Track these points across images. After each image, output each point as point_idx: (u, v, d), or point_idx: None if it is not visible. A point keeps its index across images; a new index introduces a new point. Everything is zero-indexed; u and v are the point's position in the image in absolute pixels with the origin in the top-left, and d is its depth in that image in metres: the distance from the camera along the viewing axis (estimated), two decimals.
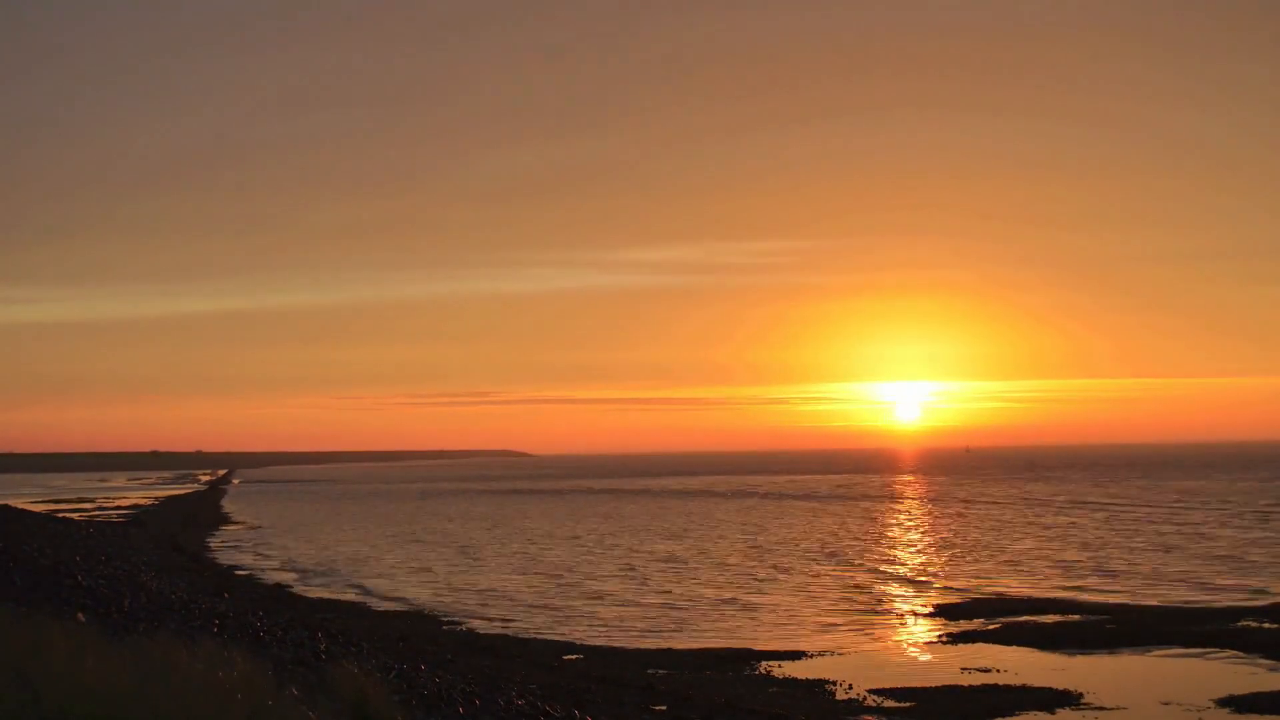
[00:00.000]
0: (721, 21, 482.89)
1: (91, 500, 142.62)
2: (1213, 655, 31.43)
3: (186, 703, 12.37)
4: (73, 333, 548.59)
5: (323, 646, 25.87)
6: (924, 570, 54.41)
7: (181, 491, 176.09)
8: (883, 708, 25.86)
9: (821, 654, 33.05)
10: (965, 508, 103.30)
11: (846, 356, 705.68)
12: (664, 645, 34.66)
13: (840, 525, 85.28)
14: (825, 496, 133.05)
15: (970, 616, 39.04)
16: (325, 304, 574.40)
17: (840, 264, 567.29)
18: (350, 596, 48.37)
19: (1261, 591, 43.91)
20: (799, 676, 29.38)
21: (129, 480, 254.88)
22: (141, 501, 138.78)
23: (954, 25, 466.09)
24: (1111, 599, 42.77)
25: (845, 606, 42.83)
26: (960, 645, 33.87)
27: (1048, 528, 77.68)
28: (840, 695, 27.19)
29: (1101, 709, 25.48)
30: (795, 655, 32.67)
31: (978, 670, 29.95)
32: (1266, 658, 30.78)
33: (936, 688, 27.68)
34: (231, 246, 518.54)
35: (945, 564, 56.85)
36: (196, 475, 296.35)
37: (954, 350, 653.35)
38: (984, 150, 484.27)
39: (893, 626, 38.23)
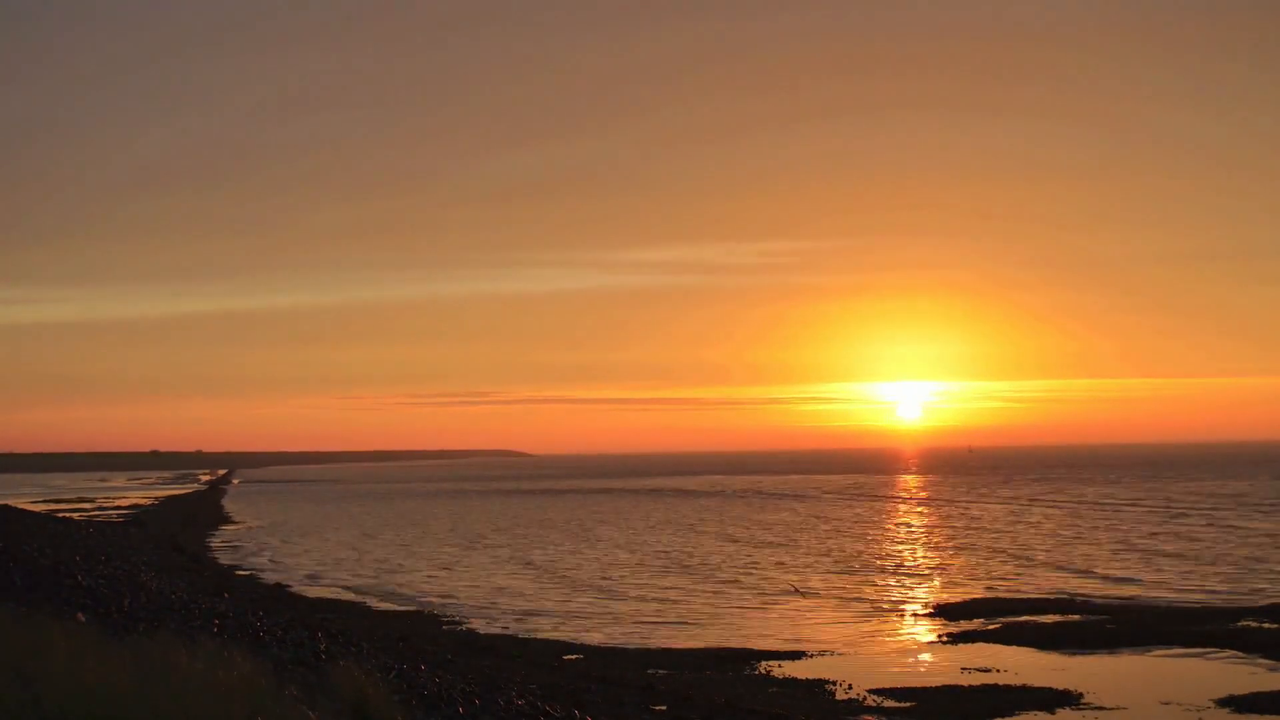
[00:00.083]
0: (720, 22, 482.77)
1: (91, 500, 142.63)
2: (1213, 655, 31.43)
3: (186, 703, 12.38)
4: (73, 333, 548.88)
5: (323, 646, 25.87)
6: (924, 570, 54.42)
7: (181, 491, 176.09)
8: (883, 708, 25.86)
9: (821, 654, 33.06)
10: (965, 508, 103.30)
11: (847, 357, 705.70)
12: (664, 645, 34.67)
13: (840, 525, 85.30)
14: (825, 496, 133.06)
15: (970, 616, 39.04)
16: (325, 304, 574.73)
17: (841, 264, 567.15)
18: (350, 596, 48.37)
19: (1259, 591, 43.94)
20: (799, 676, 29.39)
21: (129, 480, 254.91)
22: (141, 501, 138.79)
23: (954, 26, 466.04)
24: (1112, 599, 42.78)
25: (845, 606, 42.83)
26: (960, 645, 33.87)
27: (1047, 528, 77.67)
28: (840, 695, 27.20)
29: (1101, 709, 25.48)
30: (795, 655, 32.67)
31: (978, 670, 29.96)
32: (1266, 658, 30.78)
33: (936, 688, 27.68)
34: (232, 247, 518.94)
35: (945, 564, 56.85)
36: (196, 475, 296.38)
37: (956, 350, 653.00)
38: (985, 150, 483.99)
39: (893, 626, 38.23)
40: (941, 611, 40.50)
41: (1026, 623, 37.28)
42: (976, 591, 45.97)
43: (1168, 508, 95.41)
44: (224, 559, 65.67)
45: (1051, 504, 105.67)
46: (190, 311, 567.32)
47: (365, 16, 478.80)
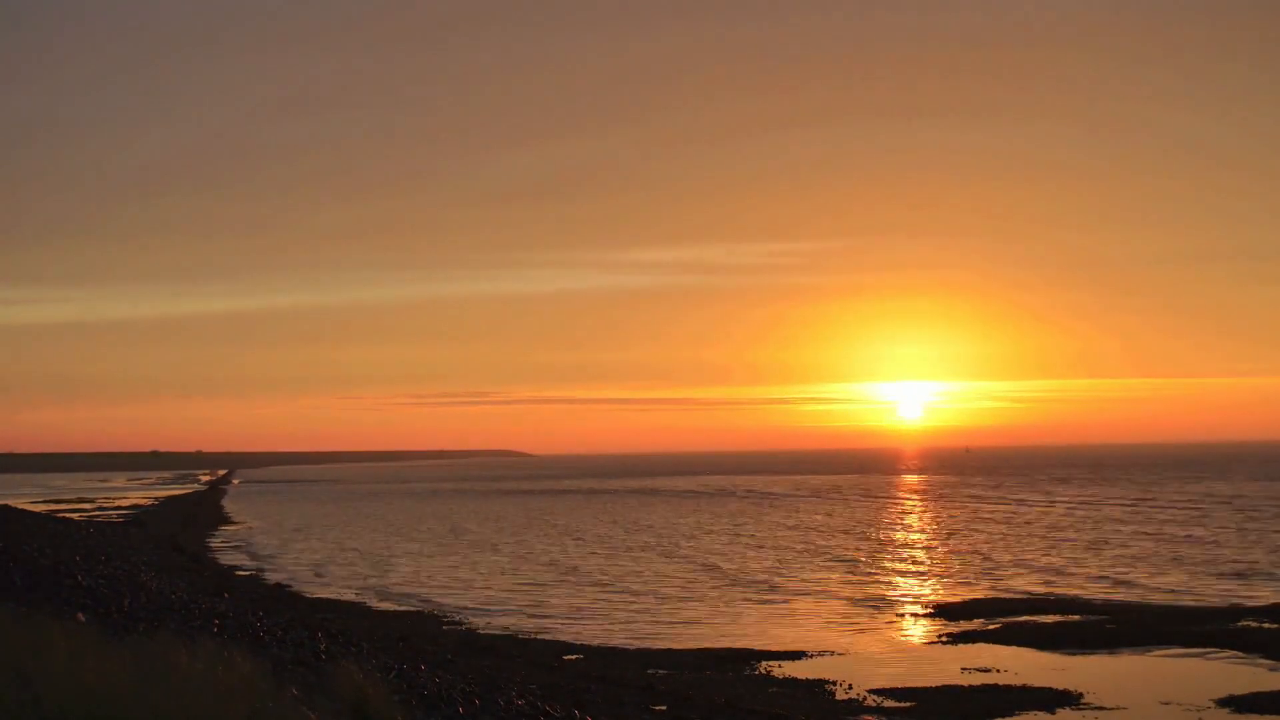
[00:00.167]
0: (717, 23, 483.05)
1: (91, 500, 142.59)
2: (1213, 655, 31.44)
3: (186, 703, 12.37)
4: (73, 333, 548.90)
5: (323, 646, 25.87)
6: (924, 570, 54.42)
7: (181, 492, 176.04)
8: (883, 708, 25.86)
9: (821, 654, 33.05)
10: (965, 508, 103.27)
11: (847, 357, 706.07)
12: (664, 645, 34.67)
13: (840, 525, 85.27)
14: (825, 496, 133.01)
15: (970, 616, 39.04)
16: (325, 304, 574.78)
17: (841, 264, 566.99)
18: (350, 596, 48.35)
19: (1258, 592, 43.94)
20: (799, 676, 29.38)
21: (129, 480, 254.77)
22: (141, 501, 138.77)
23: (955, 28, 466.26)
24: (1112, 599, 42.78)
25: (845, 606, 42.82)
26: (960, 645, 33.87)
27: (1046, 527, 77.66)
28: (840, 695, 27.20)
29: (1101, 709, 25.48)
30: (795, 655, 32.67)
31: (978, 670, 29.96)
32: (1266, 658, 30.79)
33: (936, 688, 27.68)
34: (232, 247, 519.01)
35: (945, 564, 56.84)
36: (197, 475, 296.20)
37: (956, 350, 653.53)
38: (985, 151, 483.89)
39: (893, 626, 38.23)
40: (941, 611, 40.50)
41: (1026, 623, 37.28)
42: (976, 591, 45.96)
43: (1168, 507, 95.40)
44: (224, 559, 65.67)
45: (1052, 504, 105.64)
46: (190, 311, 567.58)
47: (365, 17, 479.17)
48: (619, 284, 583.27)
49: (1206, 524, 77.20)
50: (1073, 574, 50.96)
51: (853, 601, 44.13)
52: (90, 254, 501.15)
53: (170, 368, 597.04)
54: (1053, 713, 25.28)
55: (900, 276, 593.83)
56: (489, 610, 43.33)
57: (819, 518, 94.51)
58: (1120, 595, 43.87)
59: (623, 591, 48.31)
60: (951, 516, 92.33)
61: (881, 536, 74.44)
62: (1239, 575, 49.29)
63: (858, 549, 65.80)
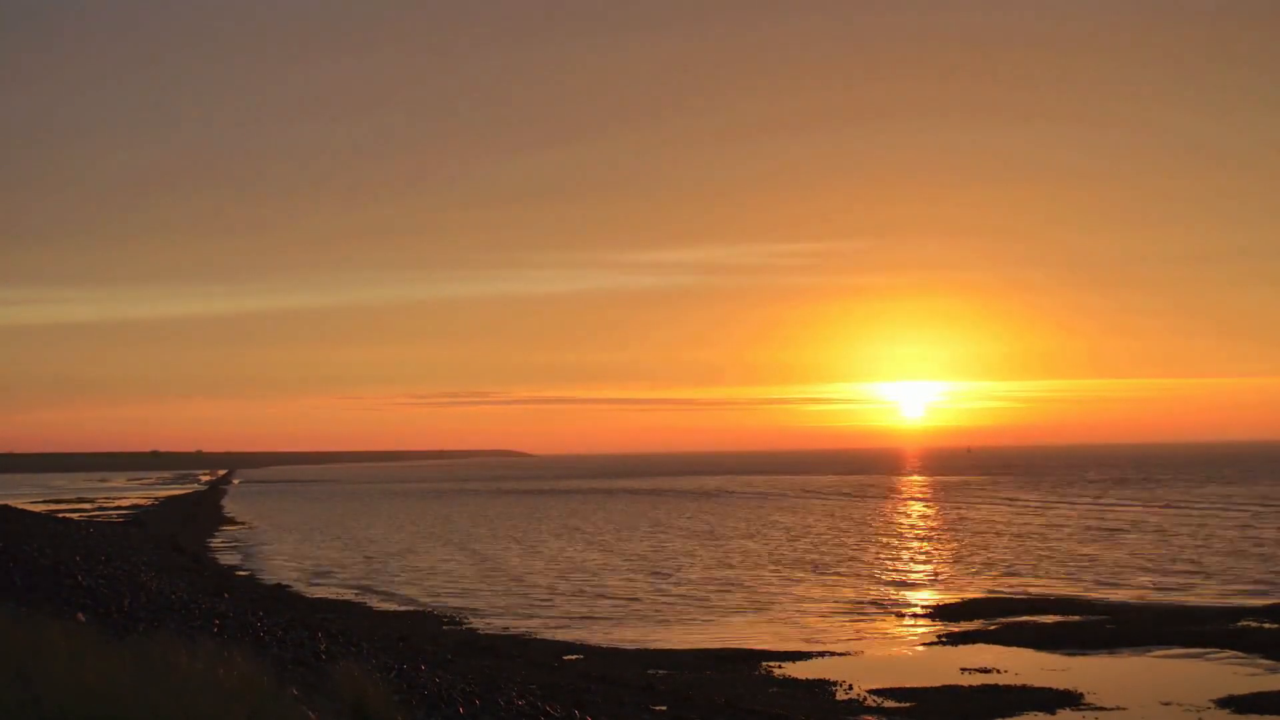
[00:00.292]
0: (720, 26, 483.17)
1: (91, 500, 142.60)
2: (1213, 655, 31.43)
3: (186, 703, 12.37)
4: (73, 333, 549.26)
5: (323, 646, 25.86)
6: (924, 570, 54.41)
7: (181, 492, 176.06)
8: (883, 708, 25.86)
9: (821, 654, 33.05)
10: (965, 508, 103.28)
11: (848, 357, 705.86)
12: (664, 645, 34.68)
13: (841, 525, 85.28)
14: (826, 496, 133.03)
15: (970, 617, 39.04)
16: (325, 304, 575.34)
17: (842, 264, 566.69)
18: (350, 596, 48.37)
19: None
20: (799, 676, 29.39)
21: (129, 480, 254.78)
22: (141, 501, 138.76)
23: (955, 29, 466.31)
24: (1112, 599, 42.77)
25: (845, 607, 42.82)
26: (960, 645, 33.86)
27: (1047, 527, 77.67)
28: (840, 695, 27.20)
29: (1101, 709, 25.48)
30: (795, 655, 32.66)
31: (978, 671, 29.95)
32: (1266, 658, 30.78)
33: (936, 688, 27.68)
34: (233, 248, 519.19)
35: (945, 564, 56.84)
36: (196, 475, 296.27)
37: (959, 350, 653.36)
38: (986, 152, 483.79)
39: (893, 626, 38.23)
40: (941, 612, 40.50)
41: (1026, 623, 37.29)
42: (976, 592, 45.97)
43: (1169, 508, 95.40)
44: (224, 559, 65.68)
45: (1052, 504, 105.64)
46: (190, 312, 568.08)
47: (368, 21, 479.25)
48: (619, 284, 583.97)
49: (1208, 524, 77.18)
50: (1072, 574, 50.95)
51: (853, 602, 44.12)
52: (90, 254, 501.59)
53: (170, 368, 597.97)
54: (1053, 713, 25.28)
55: (901, 277, 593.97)
56: (489, 610, 43.32)
57: (819, 518, 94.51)
58: (1120, 595, 43.86)
59: (623, 591, 48.30)
60: (951, 516, 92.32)
61: (882, 537, 74.44)
62: (1239, 575, 49.19)
63: (858, 549, 65.78)
